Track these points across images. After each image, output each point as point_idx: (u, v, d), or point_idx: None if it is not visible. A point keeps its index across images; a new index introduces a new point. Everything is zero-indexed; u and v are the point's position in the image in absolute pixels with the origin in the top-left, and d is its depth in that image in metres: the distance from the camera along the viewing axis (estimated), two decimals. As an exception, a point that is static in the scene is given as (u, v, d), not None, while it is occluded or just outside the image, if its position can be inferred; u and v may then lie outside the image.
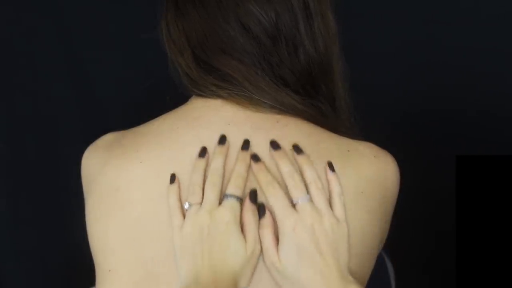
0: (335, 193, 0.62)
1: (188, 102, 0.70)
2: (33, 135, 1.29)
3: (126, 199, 0.63)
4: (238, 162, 0.62)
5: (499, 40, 1.22)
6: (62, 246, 1.30)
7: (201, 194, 0.60)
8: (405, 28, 1.24)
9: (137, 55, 1.22)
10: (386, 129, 1.17)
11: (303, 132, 0.66)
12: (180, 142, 0.64)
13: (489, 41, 1.23)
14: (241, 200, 0.60)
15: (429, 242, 1.29)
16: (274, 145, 0.63)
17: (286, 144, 0.64)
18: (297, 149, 0.63)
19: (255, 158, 0.62)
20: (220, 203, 0.60)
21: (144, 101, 1.13)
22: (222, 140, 0.63)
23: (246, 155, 0.62)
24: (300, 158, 0.62)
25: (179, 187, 0.61)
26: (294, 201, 0.60)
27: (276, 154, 0.62)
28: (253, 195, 0.61)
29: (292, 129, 0.65)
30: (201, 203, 0.60)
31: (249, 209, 0.60)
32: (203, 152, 0.62)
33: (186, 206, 0.61)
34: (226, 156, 0.62)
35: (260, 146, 0.64)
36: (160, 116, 0.69)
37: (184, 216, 0.60)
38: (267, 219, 0.60)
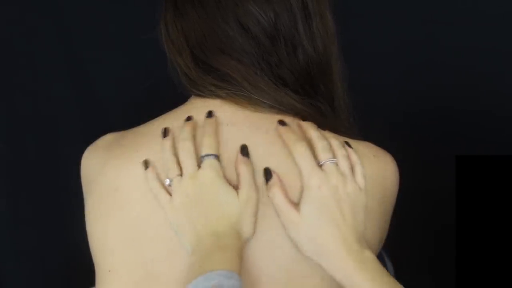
0: (356, 163, 0.63)
1: (188, 102, 0.70)
2: (33, 135, 1.29)
3: (125, 199, 0.63)
4: (205, 125, 0.64)
5: (498, 40, 1.22)
6: (62, 246, 1.30)
7: (178, 167, 0.61)
8: (403, 28, 1.24)
9: (137, 55, 1.22)
10: (385, 129, 1.17)
11: (303, 132, 0.66)
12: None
13: (489, 41, 1.22)
14: (217, 157, 0.61)
15: (429, 242, 1.28)
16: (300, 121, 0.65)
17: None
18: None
19: (282, 123, 0.64)
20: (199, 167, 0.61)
21: (144, 101, 1.13)
22: (188, 119, 0.65)
23: (211, 120, 0.64)
24: (325, 133, 0.65)
25: (154, 169, 0.62)
26: (321, 162, 0.62)
27: (305, 124, 0.65)
28: (244, 149, 0.62)
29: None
30: (180, 174, 0.61)
31: (241, 161, 0.61)
32: (165, 132, 0.64)
33: (167, 182, 0.61)
34: (193, 127, 0.64)
35: (260, 146, 0.64)
36: (160, 116, 0.69)
37: (169, 193, 0.61)
38: (274, 179, 0.61)
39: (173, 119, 0.68)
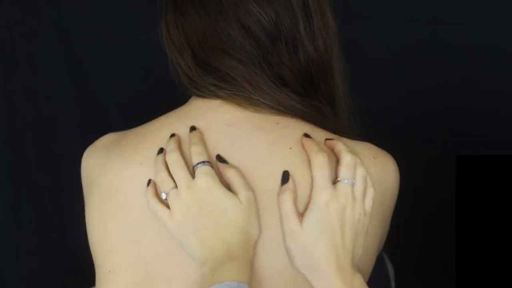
0: (369, 185, 0.63)
1: (188, 103, 0.70)
2: (33, 135, 1.29)
3: (126, 199, 0.63)
4: (191, 137, 0.63)
5: (499, 40, 1.22)
6: (62, 246, 1.30)
7: (171, 180, 0.61)
8: (404, 27, 1.24)
9: (137, 55, 1.22)
10: (385, 129, 1.17)
11: (303, 133, 0.65)
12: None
13: (489, 41, 1.22)
14: (209, 164, 0.61)
15: (429, 242, 1.28)
16: (328, 139, 0.65)
17: (287, 145, 0.64)
18: None
19: (306, 135, 0.64)
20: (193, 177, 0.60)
21: (144, 101, 1.13)
22: (172, 135, 0.64)
23: (196, 132, 0.64)
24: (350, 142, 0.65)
25: (154, 186, 0.62)
26: (338, 179, 0.61)
27: (331, 141, 0.64)
28: (219, 157, 0.62)
29: (292, 131, 0.65)
30: (175, 187, 0.60)
31: (224, 167, 0.61)
32: (160, 151, 0.63)
33: (164, 196, 0.61)
34: (178, 142, 0.63)
35: (260, 147, 0.63)
36: (160, 117, 0.69)
37: (168, 206, 0.60)
38: (290, 184, 0.60)
39: (173, 119, 0.68)
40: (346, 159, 0.62)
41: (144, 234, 0.62)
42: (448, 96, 1.26)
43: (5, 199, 1.28)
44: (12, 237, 1.30)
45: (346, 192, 0.60)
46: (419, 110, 1.28)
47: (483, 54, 1.23)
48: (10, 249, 1.30)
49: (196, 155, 0.61)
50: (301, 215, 0.60)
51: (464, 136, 1.24)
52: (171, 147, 0.62)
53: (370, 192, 0.62)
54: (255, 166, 0.63)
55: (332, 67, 0.70)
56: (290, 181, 0.60)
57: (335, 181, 0.61)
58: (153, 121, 0.69)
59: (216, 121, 0.65)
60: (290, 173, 0.61)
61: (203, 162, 0.60)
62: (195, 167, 0.60)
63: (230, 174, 0.61)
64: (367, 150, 0.68)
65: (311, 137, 0.63)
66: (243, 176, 0.61)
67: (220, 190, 0.59)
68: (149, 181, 0.62)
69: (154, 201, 0.61)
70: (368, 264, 0.66)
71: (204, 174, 0.60)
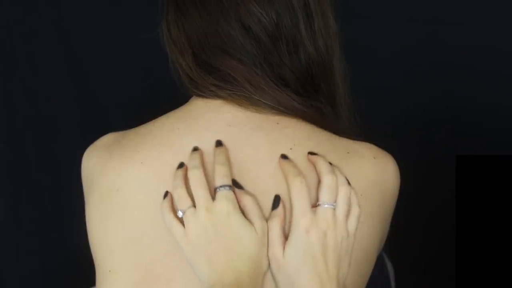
0: (354, 204, 0.61)
1: (189, 103, 0.70)
2: (33, 135, 1.29)
3: (126, 199, 0.63)
4: (216, 155, 0.62)
5: (499, 40, 1.22)
6: (62, 246, 1.30)
7: (189, 198, 0.59)
8: (404, 27, 1.24)
9: (137, 55, 1.22)
10: (386, 129, 1.18)
11: (303, 134, 0.65)
12: (180, 144, 0.64)
13: (489, 41, 1.23)
14: (231, 188, 0.60)
15: (429, 242, 1.29)
16: (311, 153, 0.63)
17: (288, 145, 0.64)
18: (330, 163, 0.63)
19: (284, 156, 0.62)
20: (213, 198, 0.59)
21: (144, 101, 1.13)
22: (195, 149, 0.63)
23: (223, 148, 0.62)
24: (333, 166, 0.62)
25: (171, 200, 0.60)
26: (319, 203, 0.60)
27: (314, 157, 0.62)
28: (235, 182, 0.60)
29: (292, 131, 0.65)
30: (193, 206, 0.59)
31: (241, 193, 0.60)
32: (180, 165, 0.62)
33: (180, 214, 0.59)
34: (201, 157, 0.62)
35: (261, 148, 0.63)
36: (161, 117, 0.69)
37: (183, 224, 0.59)
38: (279, 210, 0.60)
39: (174, 119, 0.67)
40: (327, 181, 0.60)
41: (144, 234, 0.62)
42: (448, 96, 1.26)
43: (5, 199, 1.28)
44: (12, 237, 1.30)
45: (326, 217, 0.59)
46: (419, 110, 1.28)
47: (483, 54, 1.23)
48: (10, 249, 1.30)
49: (221, 177, 0.60)
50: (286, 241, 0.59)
51: (464, 136, 1.24)
52: (194, 163, 0.61)
53: (355, 211, 0.61)
54: (256, 166, 0.63)
55: (333, 67, 0.70)
56: (280, 206, 0.60)
57: (315, 205, 0.60)
58: (154, 121, 0.69)
59: (217, 121, 0.65)
60: (282, 197, 0.60)
61: (226, 185, 0.59)
62: (218, 189, 0.59)
63: (247, 202, 0.60)
64: (367, 150, 0.67)
65: (288, 158, 0.62)
66: (258, 204, 0.60)
67: (238, 218, 0.58)
68: (166, 193, 0.61)
69: (169, 217, 0.59)
70: (368, 264, 0.66)
71: (226, 199, 0.58)
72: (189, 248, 0.58)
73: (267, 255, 0.59)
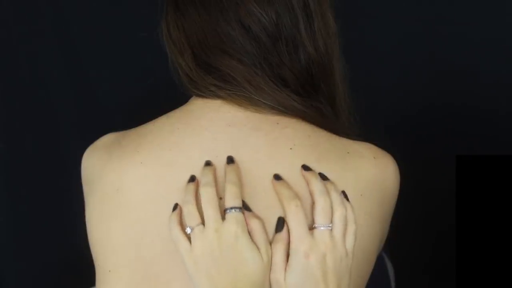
0: (350, 221, 0.61)
1: (188, 103, 0.70)
2: (33, 135, 1.29)
3: (126, 200, 0.63)
4: (228, 172, 0.61)
5: (499, 40, 1.22)
6: (62, 246, 1.30)
7: (198, 215, 0.59)
8: (404, 28, 1.24)
9: (137, 55, 1.22)
10: (386, 129, 1.17)
11: (303, 134, 0.66)
12: (180, 144, 0.64)
13: (490, 41, 1.23)
14: (241, 210, 0.59)
15: (429, 242, 1.29)
16: (305, 167, 0.62)
17: (287, 145, 0.64)
18: (323, 176, 0.62)
19: (277, 177, 0.62)
20: (222, 218, 0.59)
21: (144, 101, 1.13)
22: (208, 163, 0.62)
23: (234, 166, 0.62)
24: (327, 184, 0.62)
25: (179, 214, 0.60)
26: (315, 225, 0.60)
27: (307, 174, 0.62)
28: (245, 205, 0.60)
29: (292, 131, 0.65)
30: (202, 223, 0.58)
31: (250, 216, 0.59)
32: (191, 179, 0.61)
33: (188, 231, 0.59)
34: (214, 172, 0.61)
35: (261, 148, 0.63)
36: (161, 117, 0.69)
37: (189, 239, 0.59)
38: (283, 234, 0.59)
39: (174, 119, 0.67)
40: (320, 203, 0.60)
41: (144, 234, 0.62)
42: (448, 96, 1.26)
43: (5, 199, 1.28)
44: (12, 237, 1.30)
45: (324, 239, 0.59)
46: (419, 110, 1.28)
47: (483, 54, 1.23)
48: (10, 249, 1.30)
49: (232, 198, 0.59)
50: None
51: (464, 136, 1.24)
52: (207, 179, 0.60)
53: (351, 228, 0.61)
54: (255, 166, 0.62)
55: (333, 67, 0.70)
56: (285, 230, 0.59)
57: (312, 227, 0.60)
58: (154, 121, 0.69)
59: (217, 121, 0.65)
60: (285, 219, 0.60)
61: (237, 208, 0.59)
62: (228, 211, 0.59)
63: (254, 225, 0.59)
64: (367, 150, 0.67)
65: (281, 178, 0.62)
66: (266, 229, 0.60)
67: (246, 241, 0.58)
68: (176, 206, 0.60)
69: (177, 230, 0.59)
70: (368, 264, 0.66)
71: (236, 222, 0.58)
72: (192, 264, 0.58)
73: (269, 279, 0.59)
